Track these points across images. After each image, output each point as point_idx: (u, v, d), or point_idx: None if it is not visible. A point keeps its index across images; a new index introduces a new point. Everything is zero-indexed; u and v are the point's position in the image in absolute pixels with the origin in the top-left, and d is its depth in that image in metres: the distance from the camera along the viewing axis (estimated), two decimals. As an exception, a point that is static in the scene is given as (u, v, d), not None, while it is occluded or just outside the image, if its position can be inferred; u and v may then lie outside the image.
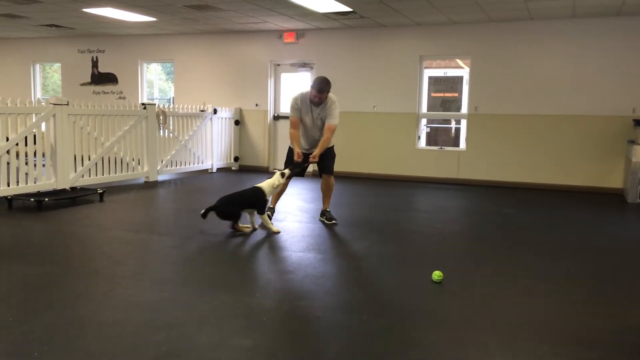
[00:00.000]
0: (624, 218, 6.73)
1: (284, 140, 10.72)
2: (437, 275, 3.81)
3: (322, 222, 5.79)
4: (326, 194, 5.90)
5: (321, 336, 2.93)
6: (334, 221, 5.74)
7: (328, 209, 5.87)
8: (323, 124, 5.64)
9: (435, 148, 9.83)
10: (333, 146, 5.84)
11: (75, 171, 7.34)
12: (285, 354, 2.69)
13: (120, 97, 11.97)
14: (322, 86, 5.46)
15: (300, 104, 5.61)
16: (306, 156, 5.66)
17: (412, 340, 2.88)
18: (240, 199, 5.31)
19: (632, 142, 7.84)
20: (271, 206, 5.81)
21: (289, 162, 5.75)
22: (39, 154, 6.83)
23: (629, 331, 3.03)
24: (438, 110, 10.83)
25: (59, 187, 7.01)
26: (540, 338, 2.91)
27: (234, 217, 5.24)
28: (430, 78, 10.36)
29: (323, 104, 5.57)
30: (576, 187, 8.73)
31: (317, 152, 5.54)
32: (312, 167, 6.00)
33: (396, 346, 2.79)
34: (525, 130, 8.99)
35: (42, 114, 6.81)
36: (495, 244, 5.09)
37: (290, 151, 5.79)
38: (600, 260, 4.59)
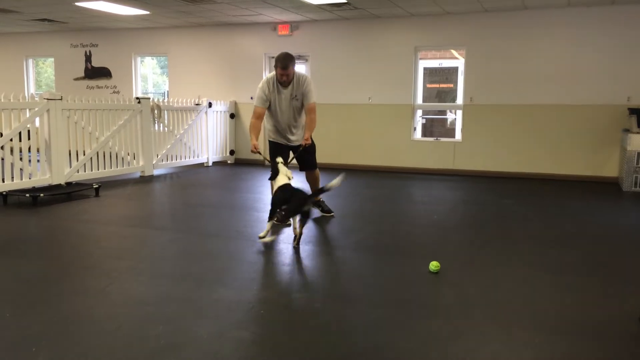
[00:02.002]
0: (620, 206, 6.76)
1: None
2: (434, 265, 3.82)
3: (320, 212, 5.76)
4: (315, 185, 5.73)
5: (319, 328, 2.93)
6: (332, 213, 5.72)
7: (322, 200, 5.84)
8: (300, 105, 5.30)
9: (431, 139, 9.83)
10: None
11: (70, 166, 7.31)
12: (284, 345, 2.69)
13: (114, 92, 11.92)
14: (286, 62, 5.00)
15: (269, 91, 5.15)
16: (288, 148, 5.40)
17: (410, 330, 2.89)
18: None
19: (627, 130, 7.86)
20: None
21: (274, 157, 5.27)
22: (33, 150, 6.79)
23: (625, 319, 3.05)
24: (433, 101, 10.84)
25: (54, 183, 6.98)
26: (537, 327, 2.92)
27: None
28: (425, 69, 10.36)
29: (294, 83, 5.17)
30: (572, 176, 8.76)
31: (308, 134, 5.17)
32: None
33: (394, 337, 2.80)
34: (520, 120, 9.00)
35: (36, 109, 6.77)
36: (491, 234, 5.10)
37: (273, 145, 5.43)
38: (596, 249, 4.61)
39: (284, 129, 5.39)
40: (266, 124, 5.51)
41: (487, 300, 3.35)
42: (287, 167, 4.91)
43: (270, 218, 4.73)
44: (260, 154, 5.18)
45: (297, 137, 5.47)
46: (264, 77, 5.31)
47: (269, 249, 4.50)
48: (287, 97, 5.23)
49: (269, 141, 5.50)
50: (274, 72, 5.24)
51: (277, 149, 5.40)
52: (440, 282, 3.67)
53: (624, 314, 3.12)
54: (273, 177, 4.86)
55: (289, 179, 4.81)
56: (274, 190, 4.82)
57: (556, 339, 2.78)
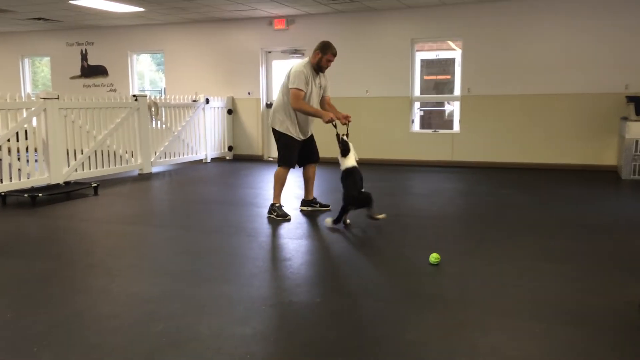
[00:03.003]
0: (619, 195, 6.76)
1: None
2: (434, 257, 3.82)
3: (313, 209, 5.69)
4: (312, 182, 5.71)
5: (321, 321, 2.94)
6: (329, 207, 5.70)
7: (315, 197, 5.82)
8: (321, 96, 5.46)
9: (429, 131, 9.82)
10: None
11: (69, 165, 7.30)
12: (286, 341, 2.70)
13: (111, 90, 11.89)
14: (336, 49, 5.25)
15: (308, 76, 5.20)
16: (301, 143, 5.41)
17: (411, 323, 2.89)
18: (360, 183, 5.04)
19: (625, 118, 7.85)
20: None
21: (293, 152, 5.35)
22: (31, 150, 6.78)
23: (625, 308, 3.05)
24: (431, 93, 10.81)
25: (53, 182, 6.97)
26: (537, 317, 2.93)
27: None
28: (422, 61, 10.33)
29: (321, 73, 5.38)
30: (571, 165, 8.76)
31: (343, 113, 5.30)
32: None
33: (395, 329, 2.80)
34: (518, 110, 8.99)
35: (33, 108, 6.75)
36: (491, 225, 5.11)
37: (291, 140, 5.33)
38: (596, 238, 4.61)
39: (307, 120, 5.40)
40: (284, 116, 5.31)
41: (488, 291, 3.35)
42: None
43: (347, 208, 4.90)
44: (335, 127, 5.25)
45: (310, 130, 5.53)
46: (299, 63, 5.28)
47: (269, 244, 4.50)
48: (317, 86, 5.34)
49: (285, 134, 5.32)
50: (306, 60, 5.31)
51: (294, 143, 5.38)
52: (440, 274, 3.67)
53: (625, 302, 3.13)
54: (344, 154, 5.08)
55: (356, 161, 5.13)
56: (344, 168, 5.07)
57: (557, 328, 2.79)
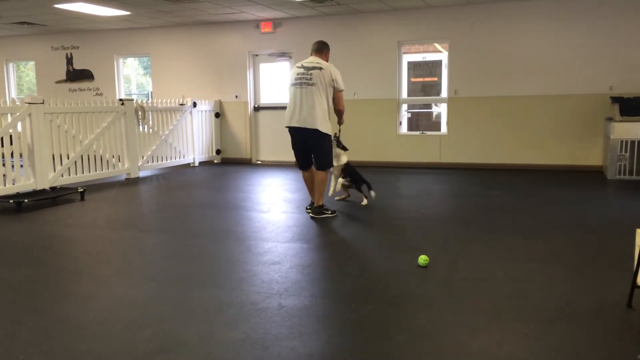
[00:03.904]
0: (605, 195, 6.82)
1: (265, 131, 10.66)
2: (423, 259, 3.83)
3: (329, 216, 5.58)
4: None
5: (311, 325, 2.93)
6: (335, 213, 5.64)
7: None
8: None
9: (417, 133, 9.85)
10: None
11: (55, 171, 7.23)
12: (276, 344, 2.69)
13: (97, 94, 11.79)
14: None
15: None
16: None
17: (401, 325, 2.89)
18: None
19: (610, 119, 7.93)
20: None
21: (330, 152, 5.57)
22: (16, 155, 6.71)
23: (614, 307, 3.08)
24: (418, 95, 10.85)
25: (39, 188, 6.90)
26: (527, 317, 2.94)
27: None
28: (409, 63, 10.37)
29: None
30: (557, 166, 8.83)
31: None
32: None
33: (385, 331, 2.80)
34: (505, 112, 9.05)
35: (18, 113, 6.68)
36: (479, 226, 5.13)
37: (331, 142, 5.55)
38: (583, 238, 4.65)
39: None
40: (326, 120, 5.34)
41: (477, 292, 3.37)
42: None
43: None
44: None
45: None
46: (330, 65, 5.36)
47: (258, 248, 4.48)
48: None
49: (330, 136, 5.48)
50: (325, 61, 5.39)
51: None
52: (429, 276, 3.68)
53: (612, 301, 3.15)
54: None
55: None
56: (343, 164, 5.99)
57: (546, 328, 2.80)
